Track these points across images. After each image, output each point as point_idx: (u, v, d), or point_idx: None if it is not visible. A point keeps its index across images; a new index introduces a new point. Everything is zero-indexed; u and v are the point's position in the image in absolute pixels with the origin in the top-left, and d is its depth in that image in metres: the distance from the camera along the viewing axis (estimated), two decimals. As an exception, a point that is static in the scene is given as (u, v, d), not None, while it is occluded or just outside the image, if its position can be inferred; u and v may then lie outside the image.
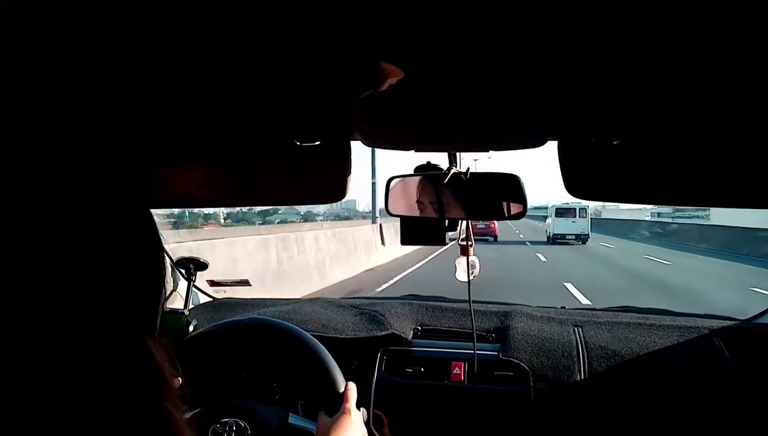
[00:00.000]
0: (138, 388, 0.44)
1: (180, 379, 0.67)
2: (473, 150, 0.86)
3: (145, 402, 0.44)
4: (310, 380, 0.97)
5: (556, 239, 22.77)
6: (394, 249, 13.88)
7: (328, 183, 0.92)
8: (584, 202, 22.60)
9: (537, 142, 0.81)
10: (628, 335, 1.25)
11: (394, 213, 0.99)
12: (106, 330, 0.42)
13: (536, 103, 0.73)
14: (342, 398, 0.91)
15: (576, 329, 1.29)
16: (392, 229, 13.80)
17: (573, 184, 0.85)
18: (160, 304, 0.48)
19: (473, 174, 0.91)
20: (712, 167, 0.79)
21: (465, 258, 1.13)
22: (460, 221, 1.02)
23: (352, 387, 0.93)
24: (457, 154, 0.94)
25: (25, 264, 0.40)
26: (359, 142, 0.92)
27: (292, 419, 0.95)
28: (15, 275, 0.40)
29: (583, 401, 1.17)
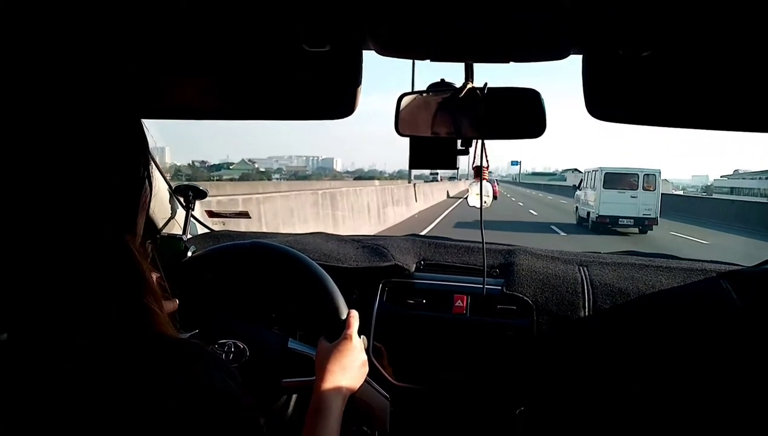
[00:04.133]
0: (112, 281, 0.44)
1: (175, 301, 0.66)
2: (492, 60, 0.80)
3: (120, 295, 0.44)
4: (311, 305, 0.96)
5: (603, 224, 13.61)
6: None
7: (336, 95, 0.87)
8: (650, 167, 14.02)
9: (561, 51, 0.76)
10: (634, 275, 1.24)
11: (403, 133, 0.94)
12: (78, 223, 0.43)
13: (561, 6, 0.68)
14: (344, 324, 0.90)
15: (581, 268, 1.27)
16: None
17: (595, 103, 0.80)
18: (139, 206, 0.49)
19: (491, 89, 0.86)
20: (748, 86, 0.74)
21: (478, 183, 1.08)
22: (474, 143, 0.98)
23: (355, 314, 0.92)
24: (474, 69, 0.88)
25: None
26: (372, 53, 0.87)
27: (292, 344, 0.94)
28: None
29: (586, 336, 1.16)
